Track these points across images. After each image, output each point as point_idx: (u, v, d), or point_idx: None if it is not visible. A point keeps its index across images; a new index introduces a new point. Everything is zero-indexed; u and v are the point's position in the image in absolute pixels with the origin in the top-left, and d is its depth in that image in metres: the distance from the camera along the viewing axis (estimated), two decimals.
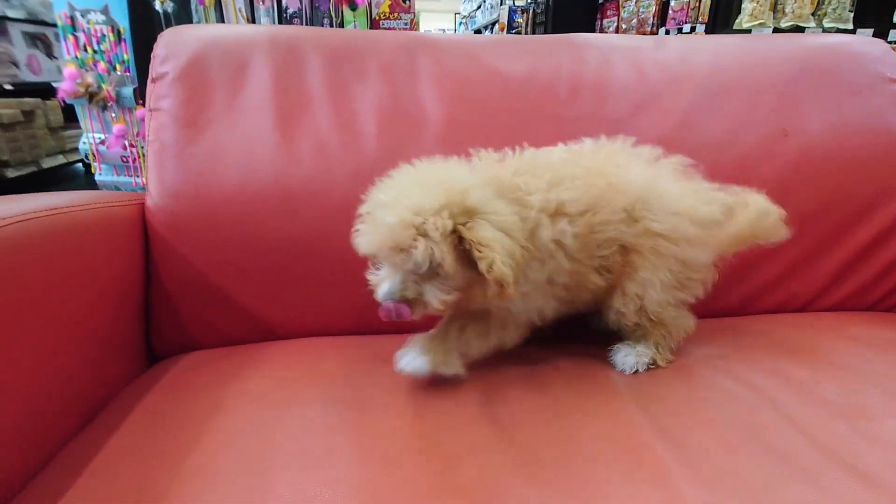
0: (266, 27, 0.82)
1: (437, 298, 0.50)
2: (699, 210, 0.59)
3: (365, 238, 0.50)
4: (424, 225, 0.46)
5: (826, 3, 2.03)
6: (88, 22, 1.71)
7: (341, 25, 1.80)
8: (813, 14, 2.06)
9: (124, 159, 1.87)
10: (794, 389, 0.55)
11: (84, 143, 1.88)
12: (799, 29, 2.06)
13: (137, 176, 1.90)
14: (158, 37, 0.76)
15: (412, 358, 0.55)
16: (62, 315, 0.54)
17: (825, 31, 2.03)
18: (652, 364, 0.60)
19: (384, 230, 0.47)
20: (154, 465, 0.46)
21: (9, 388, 0.46)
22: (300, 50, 0.78)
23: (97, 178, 1.94)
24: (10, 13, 2.61)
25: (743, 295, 0.82)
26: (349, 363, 0.63)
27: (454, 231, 0.47)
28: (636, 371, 0.60)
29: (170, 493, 0.43)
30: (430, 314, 0.52)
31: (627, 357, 0.60)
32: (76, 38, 1.73)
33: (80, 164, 3.40)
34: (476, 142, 0.79)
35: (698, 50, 0.87)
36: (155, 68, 0.74)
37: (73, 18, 1.72)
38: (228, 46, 0.77)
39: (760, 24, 2.07)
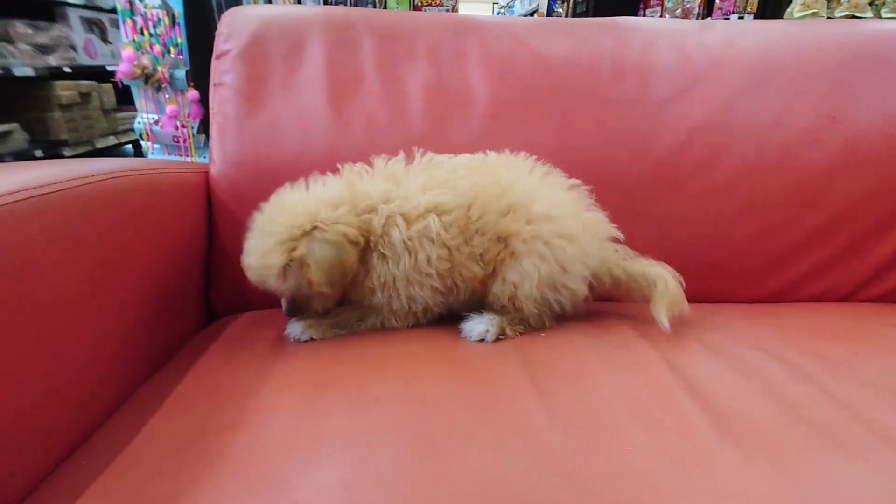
0: (321, 7, 0.86)
1: (320, 306, 0.65)
2: (576, 218, 0.65)
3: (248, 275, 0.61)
4: (275, 266, 0.57)
5: None
6: (146, 6, 1.80)
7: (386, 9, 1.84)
8: (870, 4, 1.98)
9: (175, 139, 1.96)
10: (832, 367, 0.56)
11: (139, 122, 1.98)
12: (855, 19, 1.98)
13: (187, 156, 1.99)
14: (221, 16, 0.81)
15: (297, 328, 0.64)
16: (143, 267, 0.59)
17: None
18: (501, 335, 0.63)
19: (251, 273, 0.60)
20: (222, 402, 0.51)
21: (96, 326, 0.52)
22: (353, 29, 0.81)
23: (149, 157, 2.04)
24: None
25: (782, 283, 0.82)
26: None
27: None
28: (482, 339, 0.63)
29: (238, 425, 0.47)
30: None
31: (478, 325, 0.63)
32: (134, 21, 1.82)
33: (129, 146, 3.57)
34: (519, 120, 0.81)
35: (745, 34, 0.86)
36: (219, 45, 0.79)
37: (131, 3, 1.81)
38: (286, 25, 0.81)
39: (813, 14, 2.00)
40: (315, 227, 0.57)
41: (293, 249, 0.57)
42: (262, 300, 0.77)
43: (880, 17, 1.95)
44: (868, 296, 0.83)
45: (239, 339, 0.65)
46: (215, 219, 0.75)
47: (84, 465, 0.43)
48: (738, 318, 0.73)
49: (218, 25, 0.81)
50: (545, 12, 4.96)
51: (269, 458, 0.42)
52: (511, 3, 6.85)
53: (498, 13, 8.18)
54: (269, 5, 1.11)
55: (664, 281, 0.65)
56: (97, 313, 0.51)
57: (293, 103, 0.77)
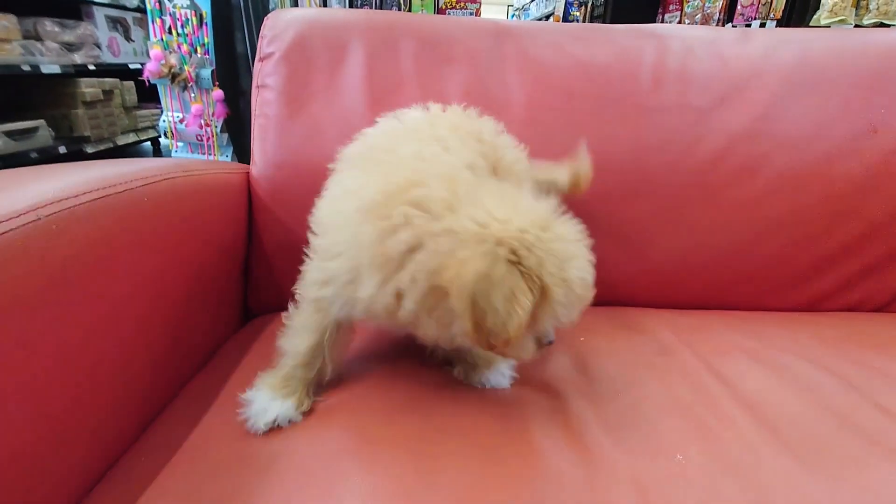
0: (362, 11, 0.86)
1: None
2: None
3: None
4: None
5: None
6: (175, 6, 1.82)
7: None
8: None
9: (199, 138, 1.99)
10: (881, 378, 0.56)
11: (164, 121, 2.00)
12: (884, 27, 1.96)
13: (210, 154, 2.01)
14: (265, 18, 0.82)
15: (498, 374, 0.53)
16: (189, 265, 0.60)
17: None
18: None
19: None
20: None
21: (144, 324, 0.52)
22: (393, 34, 0.82)
23: (173, 154, 2.07)
24: None
25: (818, 292, 0.82)
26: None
27: None
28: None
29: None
30: None
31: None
32: (163, 21, 1.84)
33: (148, 143, 3.61)
34: (556, 126, 0.81)
35: (785, 42, 0.86)
36: (262, 48, 0.80)
37: (161, 3, 1.83)
38: (328, 29, 0.82)
39: (841, 21, 1.99)
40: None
41: None
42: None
43: None
44: None
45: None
46: (255, 219, 0.76)
47: (140, 463, 0.43)
48: (776, 326, 0.72)
49: (261, 28, 0.82)
50: (561, 16, 4.95)
51: (324, 459, 0.43)
52: (526, 6, 6.84)
53: (512, 16, 8.18)
54: (310, 9, 1.12)
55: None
56: (150, 312, 0.52)
57: (334, 106, 0.78)
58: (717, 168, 0.80)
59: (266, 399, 0.47)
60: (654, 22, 3.75)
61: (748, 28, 1.04)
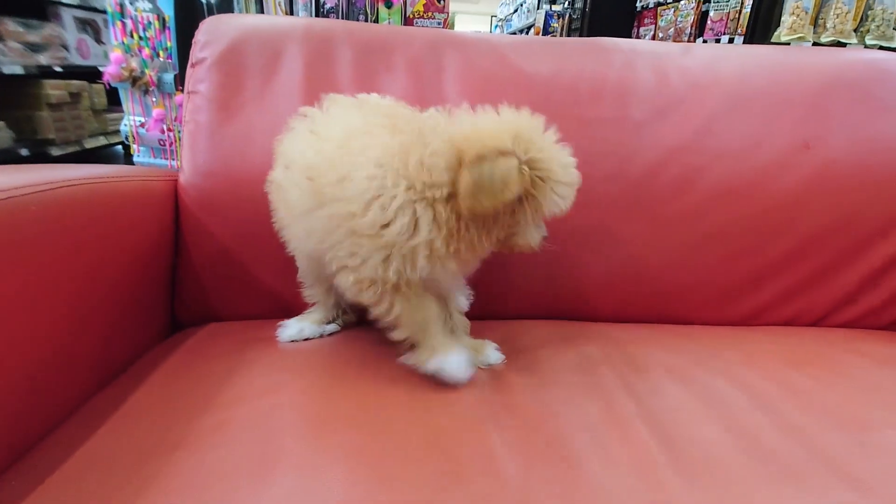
0: (302, 19, 0.85)
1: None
2: None
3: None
4: None
5: (870, 19, 1.97)
6: (136, 9, 1.79)
7: (376, 22, 1.84)
8: (855, 30, 2.01)
9: (161, 142, 1.95)
10: (794, 396, 0.55)
11: (125, 125, 1.96)
12: (840, 44, 2.01)
13: (173, 159, 1.97)
14: (200, 24, 0.80)
15: (456, 360, 0.56)
16: (99, 275, 0.58)
17: (867, 47, 1.98)
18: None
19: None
20: (172, 419, 0.50)
21: (44, 337, 0.50)
22: (332, 41, 0.81)
23: (135, 159, 2.03)
24: None
25: (754, 306, 0.82)
26: (355, 337, 0.66)
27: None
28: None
29: (186, 444, 0.46)
30: None
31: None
32: (124, 24, 1.81)
33: (119, 146, 3.54)
34: None
35: (725, 59, 0.87)
36: (195, 53, 0.79)
37: (122, 6, 1.80)
38: (265, 35, 0.80)
39: (800, 38, 2.03)
40: None
41: None
42: (227, 310, 0.76)
43: (865, 44, 1.98)
44: (839, 320, 0.83)
45: (198, 351, 0.64)
46: (182, 228, 0.74)
47: (13, 486, 0.41)
48: (708, 340, 0.72)
49: (195, 33, 0.80)
50: (541, 27, 5.01)
51: (209, 483, 0.41)
52: (509, 18, 6.92)
53: (495, 27, 8.26)
54: (249, 15, 1.11)
55: None
56: (40, 322, 0.50)
57: (268, 113, 0.76)
58: (655, 180, 0.81)
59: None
60: (630, 34, 3.81)
61: (691, 44, 1.05)
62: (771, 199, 0.80)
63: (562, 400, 0.54)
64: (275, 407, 0.51)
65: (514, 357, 0.64)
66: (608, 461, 0.45)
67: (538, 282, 0.80)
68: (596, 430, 0.49)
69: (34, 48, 2.56)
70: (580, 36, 4.13)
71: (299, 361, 0.60)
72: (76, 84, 2.79)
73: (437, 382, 0.56)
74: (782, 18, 2.08)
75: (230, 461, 0.44)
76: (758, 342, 0.72)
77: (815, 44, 2.03)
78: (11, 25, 2.41)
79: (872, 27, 1.97)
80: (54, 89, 2.62)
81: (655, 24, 3.53)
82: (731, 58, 0.87)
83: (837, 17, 1.98)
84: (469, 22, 11.83)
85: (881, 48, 1.96)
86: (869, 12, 1.97)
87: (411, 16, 1.88)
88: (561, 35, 4.65)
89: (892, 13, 1.93)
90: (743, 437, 0.48)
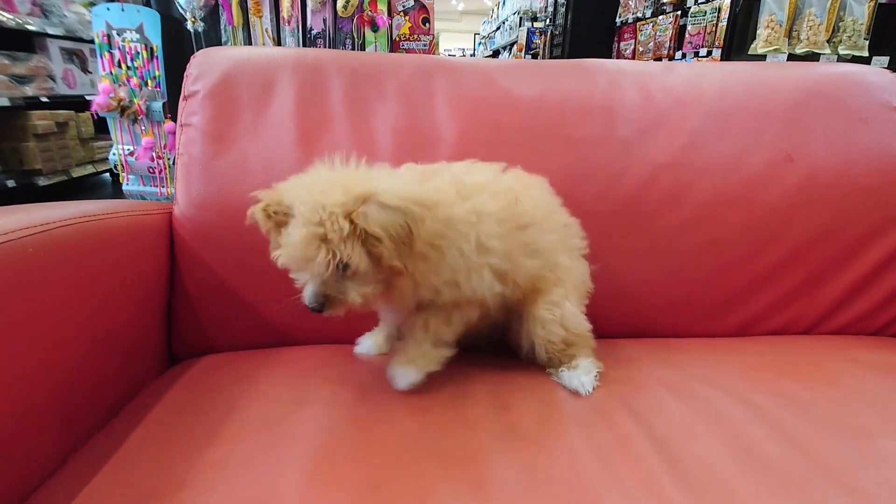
0: (293, 49, 0.87)
1: (357, 294, 0.53)
2: None
3: (280, 253, 0.53)
4: (325, 232, 0.48)
5: (841, 30, 2.04)
6: (124, 40, 1.81)
7: (363, 46, 1.87)
8: (828, 41, 2.08)
9: (151, 170, 1.95)
10: (791, 407, 0.56)
11: (114, 153, 1.96)
12: (814, 55, 2.07)
13: (163, 186, 1.97)
14: (192, 57, 0.81)
15: (402, 372, 0.60)
16: (93, 314, 0.58)
17: (840, 58, 2.04)
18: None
19: (291, 247, 0.51)
20: (172, 457, 0.49)
21: (39, 380, 0.50)
22: (323, 71, 0.82)
23: (125, 187, 2.02)
24: (50, 30, 2.75)
25: (746, 316, 0.83)
26: (354, 368, 0.67)
27: (355, 228, 0.49)
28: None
29: (187, 484, 0.45)
30: (357, 310, 0.55)
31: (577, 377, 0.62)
32: (112, 55, 1.82)
33: (107, 175, 3.53)
34: (488, 159, 0.82)
35: (706, 76, 0.89)
36: (187, 86, 0.79)
37: (109, 37, 1.81)
38: (256, 67, 0.81)
39: (775, 50, 2.09)
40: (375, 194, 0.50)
41: (352, 213, 0.49)
42: (224, 342, 0.76)
43: (838, 54, 2.04)
44: (830, 327, 0.84)
45: (196, 385, 0.64)
46: (178, 261, 0.74)
47: None
48: (703, 354, 0.73)
49: (187, 66, 0.81)
50: (524, 44, 5.10)
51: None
52: (492, 35, 7.04)
53: (479, 44, 8.39)
54: (239, 47, 1.12)
55: None
56: (36, 365, 0.50)
57: (261, 144, 0.77)
58: (644, 197, 0.82)
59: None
60: (611, 49, 3.89)
61: (671, 62, 1.08)
62: (758, 210, 0.82)
63: (565, 421, 0.54)
64: (275, 442, 0.51)
65: (512, 376, 0.64)
66: (614, 480, 0.45)
67: None
68: (602, 450, 0.49)
69: (21, 80, 2.56)
70: (562, 51, 4.22)
71: (298, 394, 0.60)
72: (63, 114, 2.79)
73: (441, 409, 0.56)
74: (758, 31, 2.15)
75: (231, 501, 0.43)
76: (752, 353, 0.73)
77: (790, 55, 2.09)
78: None
79: (844, 38, 2.04)
80: (41, 119, 2.61)
81: (635, 38, 3.61)
82: (712, 75, 0.90)
83: (811, 29, 2.05)
84: (453, 40, 12.02)
85: (854, 58, 2.02)
86: (840, 24, 2.04)
87: (397, 38, 1.91)
88: (543, 50, 4.74)
89: (861, 24, 2.00)
90: (744, 451, 0.49)
